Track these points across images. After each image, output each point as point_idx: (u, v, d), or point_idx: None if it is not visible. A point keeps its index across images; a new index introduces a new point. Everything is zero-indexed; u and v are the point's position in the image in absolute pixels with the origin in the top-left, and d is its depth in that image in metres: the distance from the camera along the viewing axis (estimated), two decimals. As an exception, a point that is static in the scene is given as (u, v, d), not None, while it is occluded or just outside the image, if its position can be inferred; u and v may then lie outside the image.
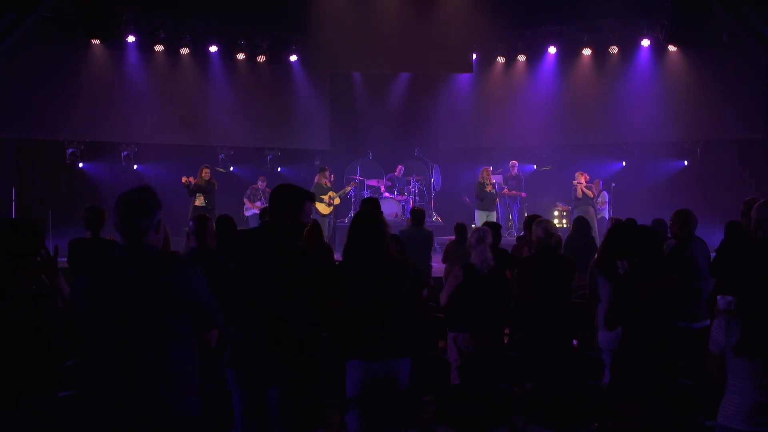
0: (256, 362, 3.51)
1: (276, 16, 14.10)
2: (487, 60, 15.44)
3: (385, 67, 15.12)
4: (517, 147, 15.32)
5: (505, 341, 5.66)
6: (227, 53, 14.55)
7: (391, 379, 3.66)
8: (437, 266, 8.43)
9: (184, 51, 13.94)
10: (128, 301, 2.57)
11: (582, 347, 5.56)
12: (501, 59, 15.30)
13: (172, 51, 13.97)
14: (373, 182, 14.75)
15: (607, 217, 12.73)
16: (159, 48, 13.78)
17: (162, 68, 14.22)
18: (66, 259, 5.78)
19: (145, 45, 13.72)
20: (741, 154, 14.08)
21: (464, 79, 15.73)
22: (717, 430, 3.22)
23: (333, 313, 3.74)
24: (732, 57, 13.46)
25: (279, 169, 15.41)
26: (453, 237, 8.03)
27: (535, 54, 15.15)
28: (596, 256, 8.28)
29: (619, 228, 5.14)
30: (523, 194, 14.24)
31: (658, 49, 14.04)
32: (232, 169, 15.02)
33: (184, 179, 11.79)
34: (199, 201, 11.67)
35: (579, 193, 12.55)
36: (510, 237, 12.43)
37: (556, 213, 14.45)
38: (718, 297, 3.41)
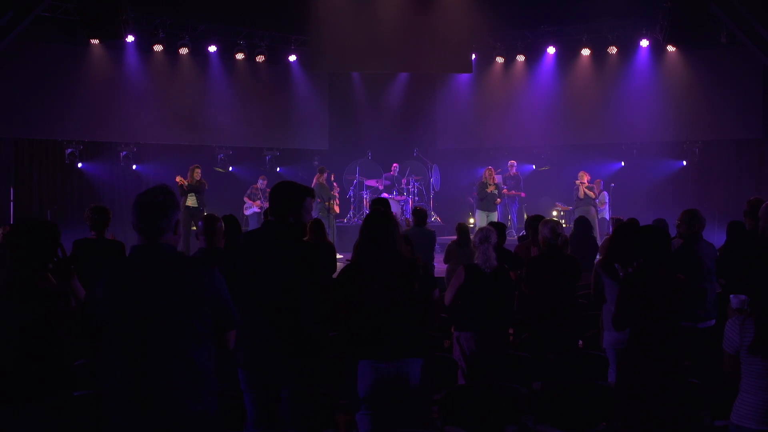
0: (267, 363, 3.52)
1: (275, 16, 14.12)
2: (486, 60, 15.47)
3: (384, 67, 15.14)
4: (516, 147, 15.36)
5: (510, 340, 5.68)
6: (226, 53, 14.55)
7: (402, 380, 3.65)
8: (438, 266, 8.44)
9: (184, 51, 13.92)
10: (148, 302, 2.57)
11: (586, 347, 5.56)
12: (500, 59, 15.33)
13: (171, 51, 13.96)
14: (372, 182, 14.75)
15: (607, 217, 12.76)
16: (158, 48, 13.77)
17: (161, 68, 14.20)
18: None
19: (144, 45, 13.71)
20: (739, 154, 14.15)
21: (463, 79, 15.75)
22: (730, 429, 3.22)
23: (343, 312, 3.73)
24: (730, 58, 13.54)
25: (278, 169, 15.40)
26: (452, 237, 8.04)
27: (534, 54, 15.20)
28: (599, 256, 8.36)
29: (627, 228, 5.14)
30: (523, 194, 14.26)
31: (657, 49, 14.10)
32: (231, 169, 15.01)
33: (178, 179, 11.72)
34: (191, 201, 11.55)
35: (581, 194, 12.56)
36: (510, 237, 12.43)
37: (555, 213, 14.47)
38: (732, 296, 3.41)
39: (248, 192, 13.43)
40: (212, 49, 14.38)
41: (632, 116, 14.45)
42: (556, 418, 4.25)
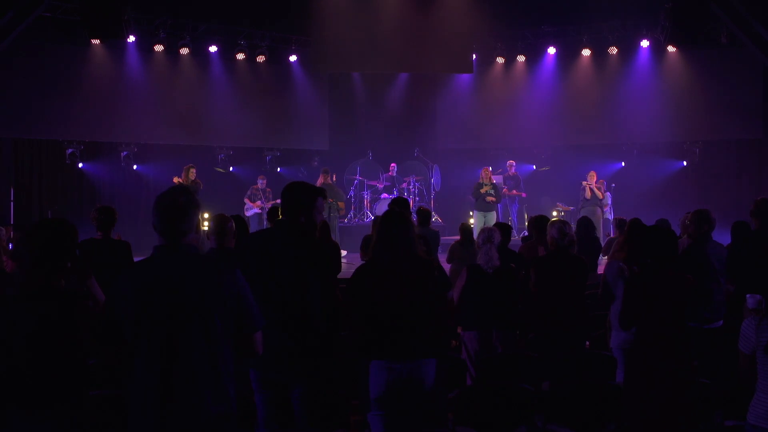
0: (279, 363, 3.51)
1: (276, 16, 14.11)
2: (487, 60, 15.47)
3: (384, 67, 15.12)
4: (516, 147, 15.37)
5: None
6: (227, 53, 14.52)
7: (415, 380, 3.64)
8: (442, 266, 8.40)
9: (184, 51, 13.90)
10: (173, 302, 2.57)
11: (594, 347, 5.57)
12: (500, 60, 15.33)
13: (172, 51, 13.93)
14: (372, 183, 14.75)
15: (610, 218, 12.76)
16: (159, 48, 13.73)
17: (162, 68, 14.17)
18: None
19: (145, 45, 13.68)
20: (739, 154, 14.20)
21: (464, 79, 15.75)
22: (746, 429, 3.22)
23: (357, 312, 3.73)
24: (730, 58, 13.59)
25: (278, 169, 15.38)
26: (453, 237, 8.03)
27: (535, 54, 15.21)
28: (603, 256, 8.36)
29: (638, 228, 5.15)
30: (524, 194, 14.26)
31: (657, 50, 14.12)
32: (231, 169, 14.98)
33: (176, 180, 11.68)
34: None
35: (588, 194, 12.50)
36: (511, 237, 12.39)
37: (555, 213, 14.46)
38: (748, 296, 3.42)
39: (248, 193, 13.40)
40: (213, 49, 14.35)
41: (633, 116, 14.48)
42: (566, 418, 4.25)
